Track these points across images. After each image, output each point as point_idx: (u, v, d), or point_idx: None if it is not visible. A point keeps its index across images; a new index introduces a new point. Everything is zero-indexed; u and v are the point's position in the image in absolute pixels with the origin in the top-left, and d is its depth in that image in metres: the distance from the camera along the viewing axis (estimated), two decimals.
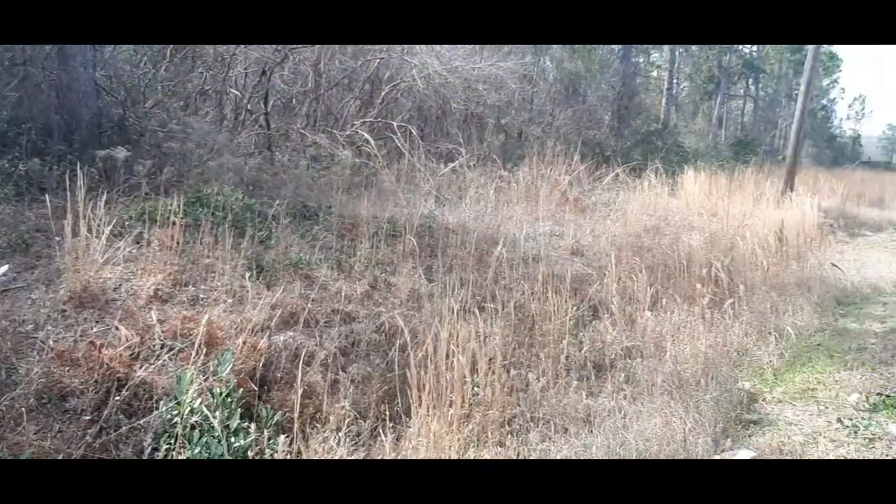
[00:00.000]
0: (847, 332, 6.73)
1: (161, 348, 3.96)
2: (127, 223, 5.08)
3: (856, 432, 4.28)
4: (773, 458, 3.96)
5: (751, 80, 38.04)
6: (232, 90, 10.49)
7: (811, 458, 3.99)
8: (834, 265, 9.30)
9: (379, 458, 3.74)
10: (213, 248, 5.05)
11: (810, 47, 17.45)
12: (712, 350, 5.46)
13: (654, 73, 28.95)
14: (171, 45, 9.82)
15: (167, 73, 9.31)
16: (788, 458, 3.96)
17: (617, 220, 9.27)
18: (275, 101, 11.18)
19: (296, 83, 12.05)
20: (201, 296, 4.57)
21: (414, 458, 3.68)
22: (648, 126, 19.75)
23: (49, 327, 3.94)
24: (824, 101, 52.43)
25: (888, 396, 4.85)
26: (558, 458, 3.89)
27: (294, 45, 10.33)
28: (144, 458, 3.37)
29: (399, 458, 3.71)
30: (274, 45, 10.33)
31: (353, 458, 3.69)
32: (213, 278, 4.77)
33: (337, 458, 3.58)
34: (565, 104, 17.38)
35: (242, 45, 10.20)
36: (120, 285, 4.43)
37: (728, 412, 4.51)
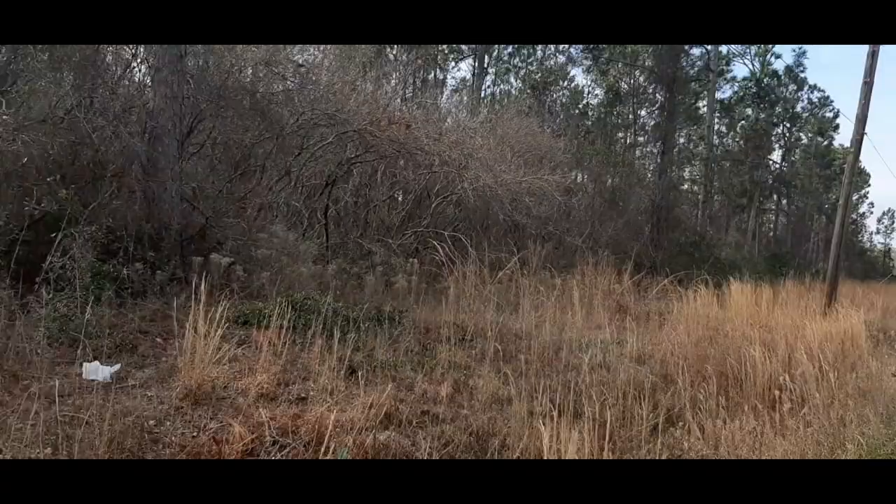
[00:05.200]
0: None
1: (273, 444, 4.12)
2: (226, 325, 5.33)
3: None
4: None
5: (782, 195, 38.67)
6: (294, 202, 11.00)
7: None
8: (895, 375, 9.25)
9: None
10: (309, 349, 5.27)
11: (848, 162, 17.61)
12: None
13: (686, 187, 29.67)
14: (241, 159, 10.44)
15: (237, 184, 9.86)
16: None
17: (674, 329, 9.38)
18: (330, 210, 11.71)
19: (347, 192, 12.63)
20: (303, 395, 4.76)
21: None
22: (686, 237, 20.12)
23: (169, 423, 4.13)
24: (854, 216, 52.82)
25: None
26: None
27: (357, 160, 10.91)
28: None
29: None
30: (338, 159, 10.89)
31: None
32: (312, 378, 4.97)
33: None
34: (605, 215, 17.90)
35: (306, 158, 10.80)
36: (228, 384, 4.65)
37: None
